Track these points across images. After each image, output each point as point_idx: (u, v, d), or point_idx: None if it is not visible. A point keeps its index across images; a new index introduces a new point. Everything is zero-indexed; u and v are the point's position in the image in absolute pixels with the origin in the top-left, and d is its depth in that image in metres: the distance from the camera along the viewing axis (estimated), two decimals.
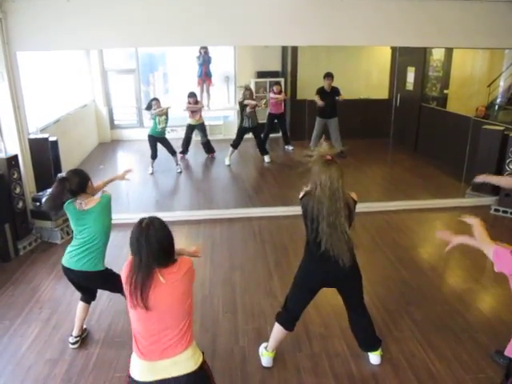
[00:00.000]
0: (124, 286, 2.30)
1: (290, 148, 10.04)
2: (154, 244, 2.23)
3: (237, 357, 3.63)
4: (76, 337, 3.79)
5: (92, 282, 3.65)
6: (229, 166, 8.99)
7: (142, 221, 2.31)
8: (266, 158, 9.17)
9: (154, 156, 8.44)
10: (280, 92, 9.70)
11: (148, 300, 2.21)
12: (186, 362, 2.29)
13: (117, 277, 3.62)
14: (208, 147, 9.56)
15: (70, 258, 3.49)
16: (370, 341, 3.53)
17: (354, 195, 3.12)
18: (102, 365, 3.56)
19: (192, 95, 9.06)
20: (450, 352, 3.63)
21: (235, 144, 8.98)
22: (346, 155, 9.08)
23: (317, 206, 2.90)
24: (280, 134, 10.28)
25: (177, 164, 8.59)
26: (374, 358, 3.53)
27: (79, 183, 3.40)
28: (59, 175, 3.48)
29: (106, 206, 3.45)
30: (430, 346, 3.71)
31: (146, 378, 2.28)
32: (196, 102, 9.12)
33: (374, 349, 3.52)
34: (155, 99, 8.35)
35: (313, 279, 3.29)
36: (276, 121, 9.93)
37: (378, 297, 4.42)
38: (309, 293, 3.36)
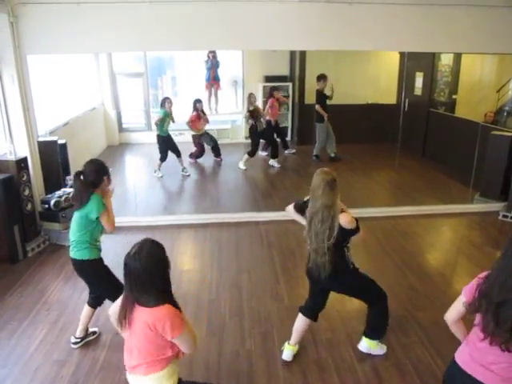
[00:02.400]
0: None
1: (292, 151, 10.06)
2: (133, 273, 2.25)
3: (243, 360, 3.63)
4: (77, 338, 3.82)
5: (83, 274, 3.66)
6: (245, 170, 8.99)
7: (131, 249, 2.31)
8: (273, 162, 9.17)
9: (164, 158, 8.47)
10: (278, 98, 9.65)
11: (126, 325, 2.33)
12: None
13: (111, 278, 3.61)
14: (216, 151, 9.59)
15: (71, 250, 3.62)
16: (369, 327, 3.66)
17: (343, 218, 3.13)
18: (108, 367, 3.57)
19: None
20: None
21: (253, 152, 9.02)
22: (341, 158, 9.08)
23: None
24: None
25: (183, 167, 8.62)
26: (363, 344, 3.70)
27: (94, 180, 3.47)
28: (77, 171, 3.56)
29: (91, 209, 3.42)
30: (437, 352, 3.69)
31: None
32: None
33: (366, 335, 3.68)
34: (167, 98, 8.41)
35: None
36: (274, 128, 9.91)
37: None
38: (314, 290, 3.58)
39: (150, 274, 2.23)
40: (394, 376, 3.45)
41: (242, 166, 8.99)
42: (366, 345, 3.68)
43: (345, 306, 4.27)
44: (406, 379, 3.41)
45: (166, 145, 8.43)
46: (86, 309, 3.83)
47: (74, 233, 3.54)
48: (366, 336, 3.68)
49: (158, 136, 8.40)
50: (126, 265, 2.26)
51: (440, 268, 5.18)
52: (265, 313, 4.25)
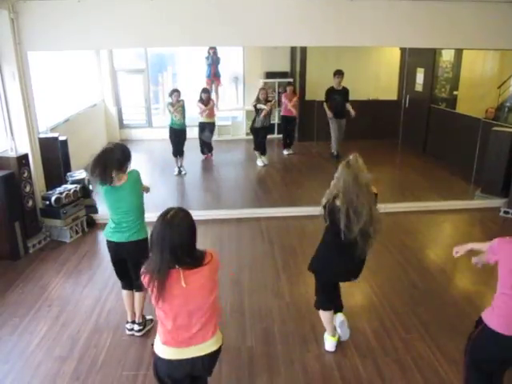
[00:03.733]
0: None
1: (290, 152, 9.87)
2: (177, 239, 2.19)
3: (244, 357, 3.63)
4: (139, 324, 3.88)
5: (137, 254, 3.48)
6: (264, 166, 8.97)
7: (166, 212, 2.25)
8: (264, 159, 9.10)
9: (174, 152, 8.40)
10: (293, 92, 9.60)
11: (169, 299, 2.25)
12: (209, 347, 2.42)
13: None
14: (209, 147, 9.53)
15: (118, 233, 3.55)
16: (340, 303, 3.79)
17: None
18: (110, 363, 3.57)
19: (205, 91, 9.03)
20: (457, 354, 3.60)
21: (256, 146, 8.99)
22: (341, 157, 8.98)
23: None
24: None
25: (180, 166, 8.53)
26: (342, 318, 3.71)
27: (120, 160, 3.42)
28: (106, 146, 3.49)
29: (137, 181, 3.51)
30: (438, 348, 3.70)
31: (171, 357, 2.38)
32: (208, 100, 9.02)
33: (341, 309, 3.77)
34: (176, 90, 8.28)
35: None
36: (288, 124, 9.85)
37: (386, 298, 4.41)
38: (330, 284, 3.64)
39: (192, 236, 2.27)
40: (395, 372, 3.45)
41: (259, 163, 9.01)
42: (344, 317, 3.73)
43: (345, 303, 4.26)
44: (406, 375, 3.42)
45: (174, 133, 8.36)
46: (125, 293, 3.85)
47: (127, 214, 3.49)
48: (341, 311, 3.78)
49: (169, 127, 8.41)
50: (164, 235, 2.19)
51: (441, 264, 5.18)
52: (266, 309, 4.25)
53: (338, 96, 8.83)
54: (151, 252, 2.25)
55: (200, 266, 2.27)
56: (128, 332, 3.89)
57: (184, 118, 8.33)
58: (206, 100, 8.92)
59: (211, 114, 9.14)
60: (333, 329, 3.70)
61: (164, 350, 2.39)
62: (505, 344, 2.59)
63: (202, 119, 9.11)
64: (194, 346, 2.37)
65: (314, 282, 3.64)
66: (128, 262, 3.66)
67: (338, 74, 8.80)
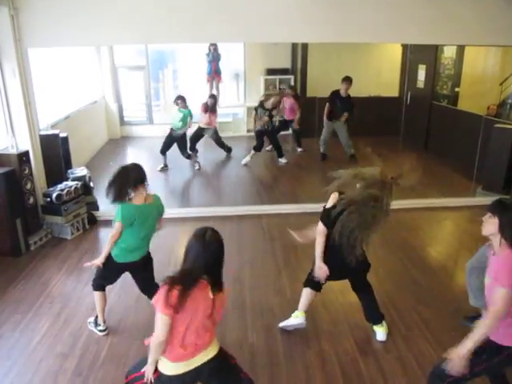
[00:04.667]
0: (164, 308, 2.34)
1: (300, 150, 9.88)
2: (213, 255, 2.53)
3: (246, 353, 3.63)
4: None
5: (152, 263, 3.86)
6: (245, 165, 8.85)
7: (204, 232, 2.54)
8: (282, 160, 8.98)
9: (162, 151, 8.42)
10: (295, 96, 9.47)
11: (190, 309, 2.37)
12: (212, 350, 2.54)
13: None
14: (223, 147, 9.50)
15: (140, 249, 3.66)
16: (373, 315, 3.80)
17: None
18: (111, 359, 3.58)
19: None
20: None
21: (258, 147, 8.83)
22: (358, 159, 8.85)
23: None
24: (289, 132, 10.26)
25: (195, 162, 8.59)
26: (380, 334, 3.77)
27: (136, 179, 3.45)
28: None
29: (159, 205, 3.69)
30: (439, 345, 3.68)
31: (179, 371, 2.45)
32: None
33: (377, 322, 3.79)
34: (180, 97, 8.27)
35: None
36: (289, 125, 9.80)
37: (387, 295, 4.40)
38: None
39: (222, 255, 2.60)
40: (396, 369, 3.45)
41: (243, 161, 8.87)
42: (381, 332, 3.77)
43: (347, 299, 4.27)
44: (407, 372, 3.42)
45: (169, 137, 8.39)
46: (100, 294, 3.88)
47: (152, 230, 3.67)
48: (376, 323, 3.78)
49: (170, 128, 8.42)
50: (209, 245, 2.55)
51: (442, 261, 5.18)
52: (267, 306, 4.26)
53: (340, 103, 8.51)
54: (184, 263, 2.50)
55: (220, 291, 2.57)
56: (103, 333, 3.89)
57: (185, 124, 8.30)
58: (211, 106, 8.84)
59: (210, 123, 8.98)
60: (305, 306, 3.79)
61: (172, 367, 2.45)
62: None
63: (201, 125, 9.02)
64: (198, 356, 2.46)
65: None
66: (144, 272, 3.81)
67: (346, 80, 8.38)
